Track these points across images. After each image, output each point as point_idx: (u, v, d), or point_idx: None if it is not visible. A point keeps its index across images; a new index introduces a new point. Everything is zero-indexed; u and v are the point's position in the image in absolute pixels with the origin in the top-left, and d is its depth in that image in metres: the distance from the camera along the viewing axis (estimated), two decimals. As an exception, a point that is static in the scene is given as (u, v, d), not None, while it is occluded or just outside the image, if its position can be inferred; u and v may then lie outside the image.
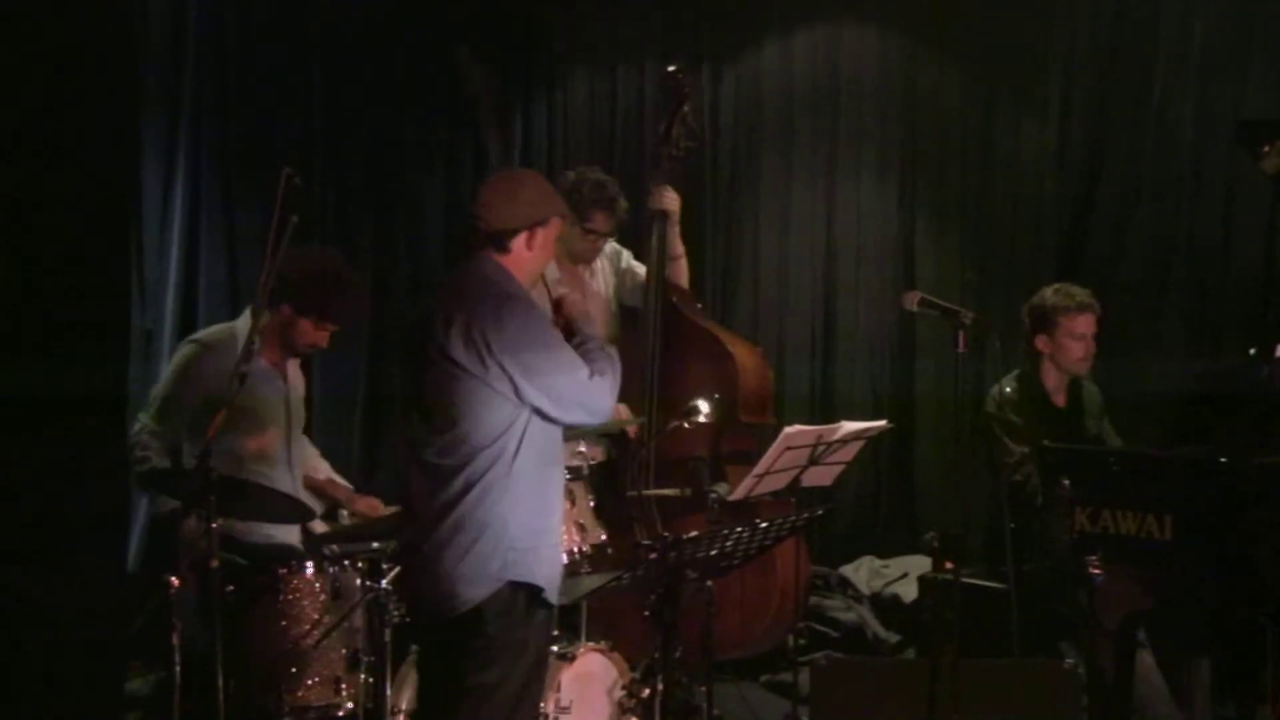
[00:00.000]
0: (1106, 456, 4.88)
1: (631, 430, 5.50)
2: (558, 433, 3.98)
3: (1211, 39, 6.84)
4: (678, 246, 5.76)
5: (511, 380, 3.79)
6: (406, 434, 3.98)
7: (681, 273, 5.82)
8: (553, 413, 3.89)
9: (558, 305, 4.16)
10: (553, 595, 3.92)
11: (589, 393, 3.91)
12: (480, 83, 4.51)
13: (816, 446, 5.09)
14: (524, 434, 3.83)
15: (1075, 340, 5.52)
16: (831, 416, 6.30)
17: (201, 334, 5.14)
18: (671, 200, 5.65)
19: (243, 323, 4.91)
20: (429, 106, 7.65)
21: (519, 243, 3.93)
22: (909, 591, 6.61)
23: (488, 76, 4.87)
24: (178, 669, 4.23)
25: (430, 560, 3.83)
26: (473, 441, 3.79)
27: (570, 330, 4.08)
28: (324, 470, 5.35)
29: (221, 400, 4.19)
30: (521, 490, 3.83)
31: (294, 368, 5.13)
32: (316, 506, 5.16)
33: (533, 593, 3.85)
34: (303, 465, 5.18)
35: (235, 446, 4.76)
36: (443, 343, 3.80)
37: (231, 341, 4.79)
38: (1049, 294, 5.58)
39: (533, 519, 3.86)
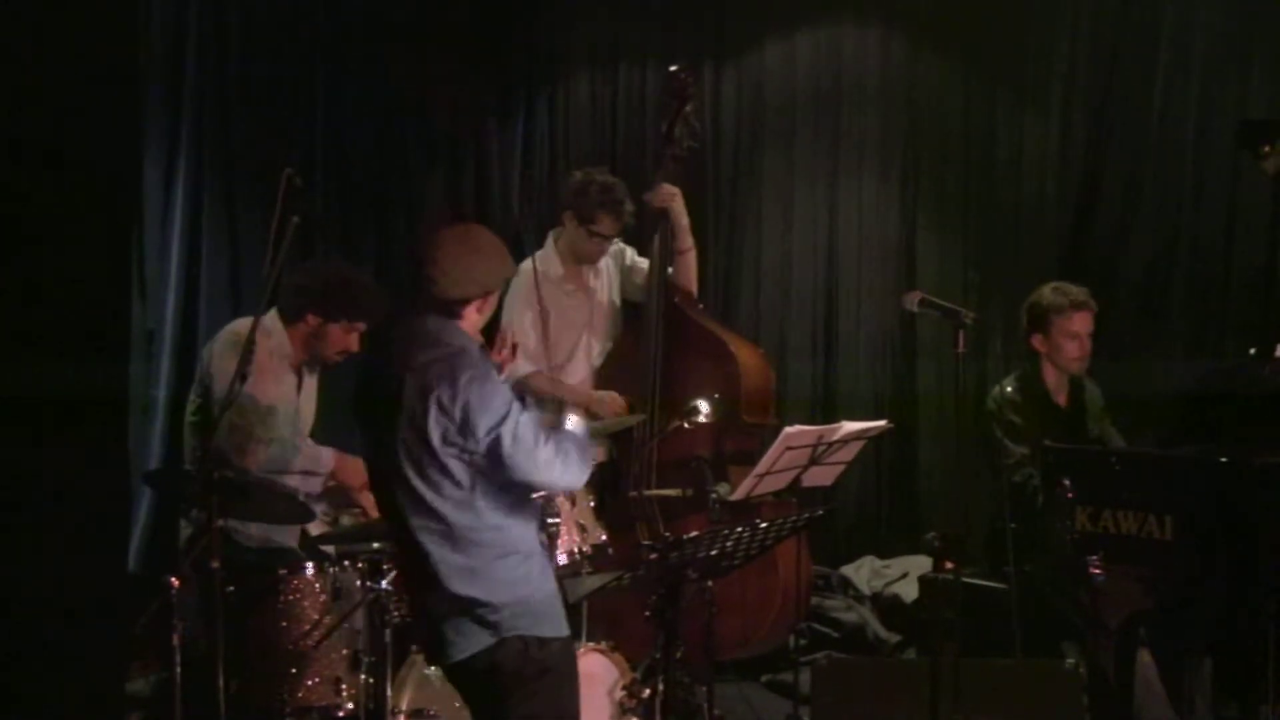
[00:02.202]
0: (1108, 456, 4.89)
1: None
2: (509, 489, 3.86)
3: (1213, 39, 6.84)
4: (686, 240, 5.76)
5: (473, 441, 3.68)
6: (380, 500, 3.94)
7: (690, 266, 5.81)
8: (511, 474, 3.75)
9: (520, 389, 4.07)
10: (559, 627, 3.83)
11: (550, 464, 3.77)
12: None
13: (817, 446, 5.09)
14: (488, 486, 3.74)
15: (1070, 339, 5.52)
16: (832, 416, 6.31)
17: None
18: (674, 199, 5.65)
19: (270, 318, 4.93)
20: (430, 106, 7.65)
21: (470, 309, 3.84)
22: (910, 591, 6.61)
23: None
24: (178, 670, 4.23)
25: (429, 616, 3.78)
26: (438, 503, 3.70)
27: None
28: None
29: (227, 400, 4.23)
30: (498, 540, 3.74)
31: (308, 375, 5.12)
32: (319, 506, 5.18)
33: (525, 641, 3.75)
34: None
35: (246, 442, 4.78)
36: (398, 408, 3.70)
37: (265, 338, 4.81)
38: (1046, 292, 5.58)
39: (514, 569, 3.76)
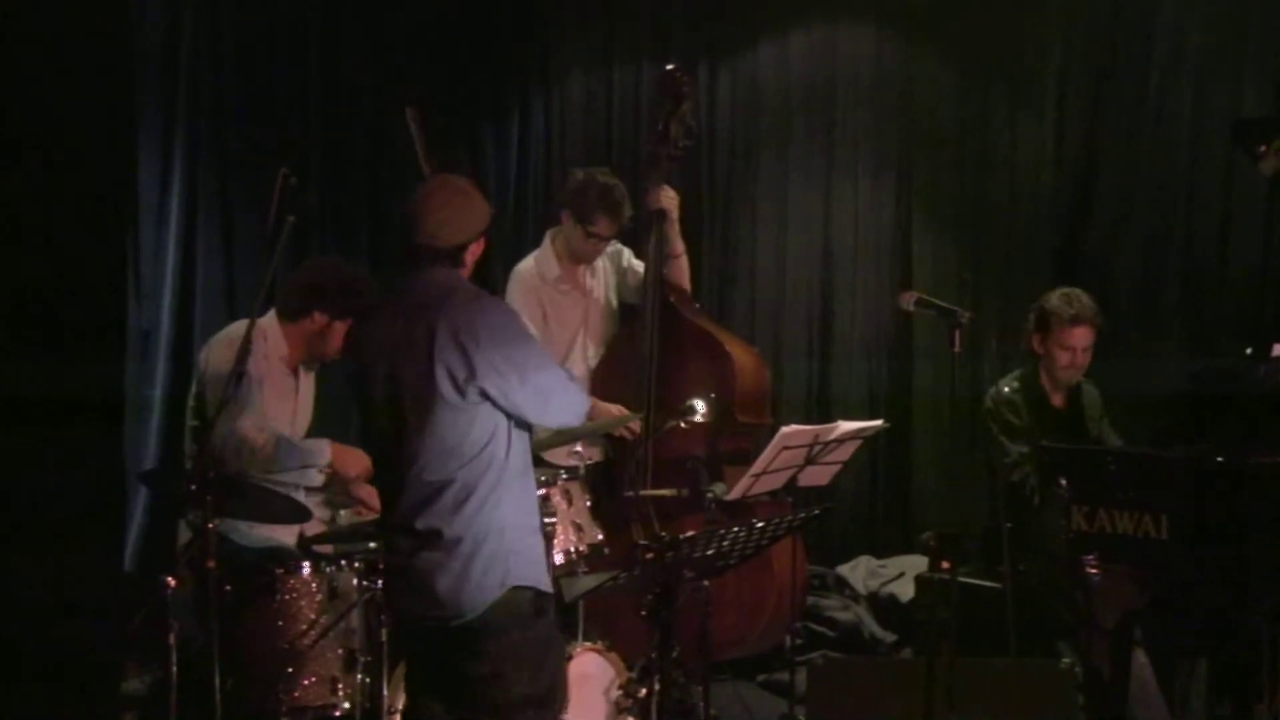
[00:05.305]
0: (1104, 456, 4.88)
1: (634, 426, 5.48)
2: (528, 435, 3.97)
3: (1208, 38, 6.83)
4: (678, 245, 5.75)
5: (500, 380, 3.76)
6: (383, 453, 3.95)
7: (682, 271, 5.81)
8: (536, 412, 3.89)
9: None
10: (548, 586, 3.94)
11: (571, 392, 3.98)
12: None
13: (813, 446, 5.09)
14: (509, 438, 3.82)
15: (1063, 350, 5.50)
16: (828, 416, 6.31)
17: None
18: (669, 199, 5.65)
19: (267, 320, 4.93)
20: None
21: (469, 255, 3.91)
22: (906, 591, 6.61)
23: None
24: (174, 669, 4.23)
25: (424, 576, 3.79)
26: (460, 453, 3.76)
27: None
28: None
29: (222, 398, 4.23)
30: (513, 495, 3.83)
31: (305, 374, 5.13)
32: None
33: (534, 591, 3.86)
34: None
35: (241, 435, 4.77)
36: (418, 355, 3.75)
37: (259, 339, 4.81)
38: (1054, 297, 5.54)
39: (523, 520, 3.87)
